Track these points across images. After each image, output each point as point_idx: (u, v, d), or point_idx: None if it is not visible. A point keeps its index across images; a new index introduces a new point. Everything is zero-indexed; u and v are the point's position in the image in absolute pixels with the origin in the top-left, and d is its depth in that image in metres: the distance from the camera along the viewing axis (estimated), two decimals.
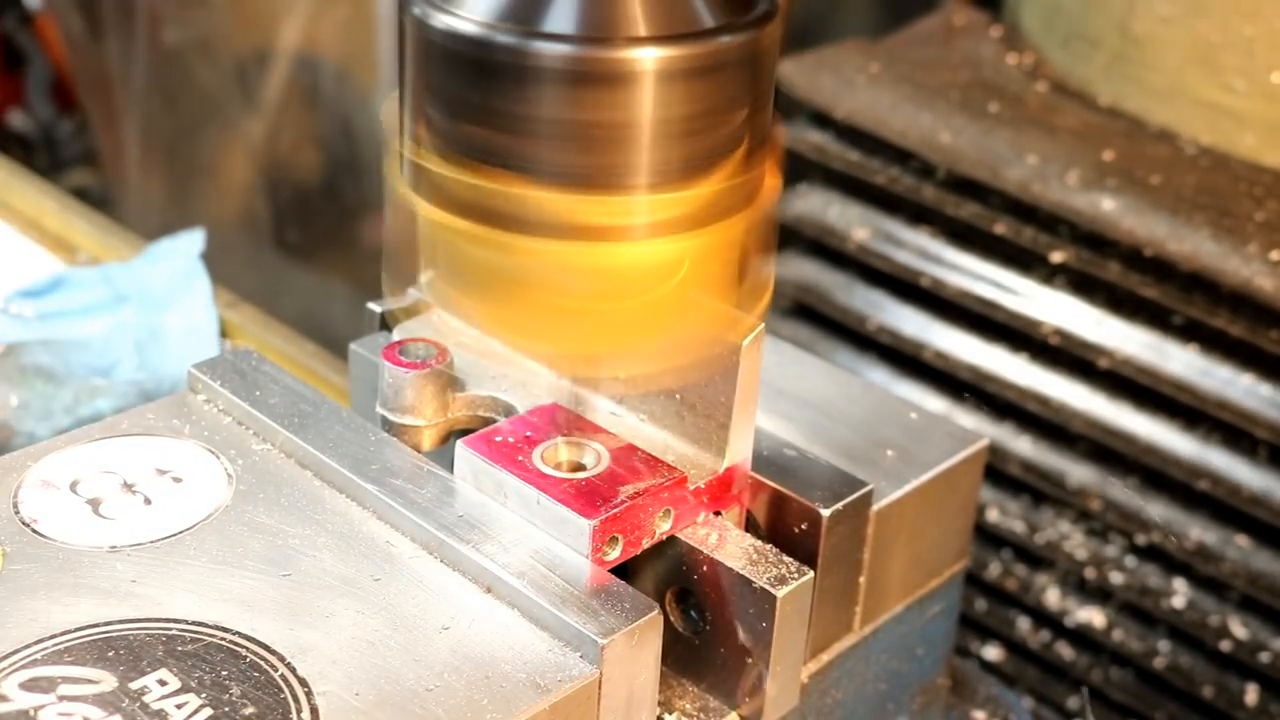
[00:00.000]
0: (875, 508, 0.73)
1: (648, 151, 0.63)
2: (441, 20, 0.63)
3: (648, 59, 0.62)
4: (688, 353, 0.69)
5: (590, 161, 0.63)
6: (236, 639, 0.60)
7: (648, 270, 0.66)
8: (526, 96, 0.62)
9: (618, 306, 0.68)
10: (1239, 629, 1.13)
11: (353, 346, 0.78)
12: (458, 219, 0.66)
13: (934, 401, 1.24)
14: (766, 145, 0.68)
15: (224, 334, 1.10)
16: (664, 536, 0.68)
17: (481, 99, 0.63)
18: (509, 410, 0.73)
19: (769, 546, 0.69)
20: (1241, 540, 1.13)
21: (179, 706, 0.57)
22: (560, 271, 0.65)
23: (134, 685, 0.58)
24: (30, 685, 0.57)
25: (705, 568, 0.68)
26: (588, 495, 0.66)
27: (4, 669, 0.58)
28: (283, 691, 0.58)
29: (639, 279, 0.67)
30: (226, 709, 0.57)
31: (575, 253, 0.65)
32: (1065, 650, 1.22)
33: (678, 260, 0.66)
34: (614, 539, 0.66)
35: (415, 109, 0.66)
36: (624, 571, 0.68)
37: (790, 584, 0.67)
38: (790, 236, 1.30)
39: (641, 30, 0.62)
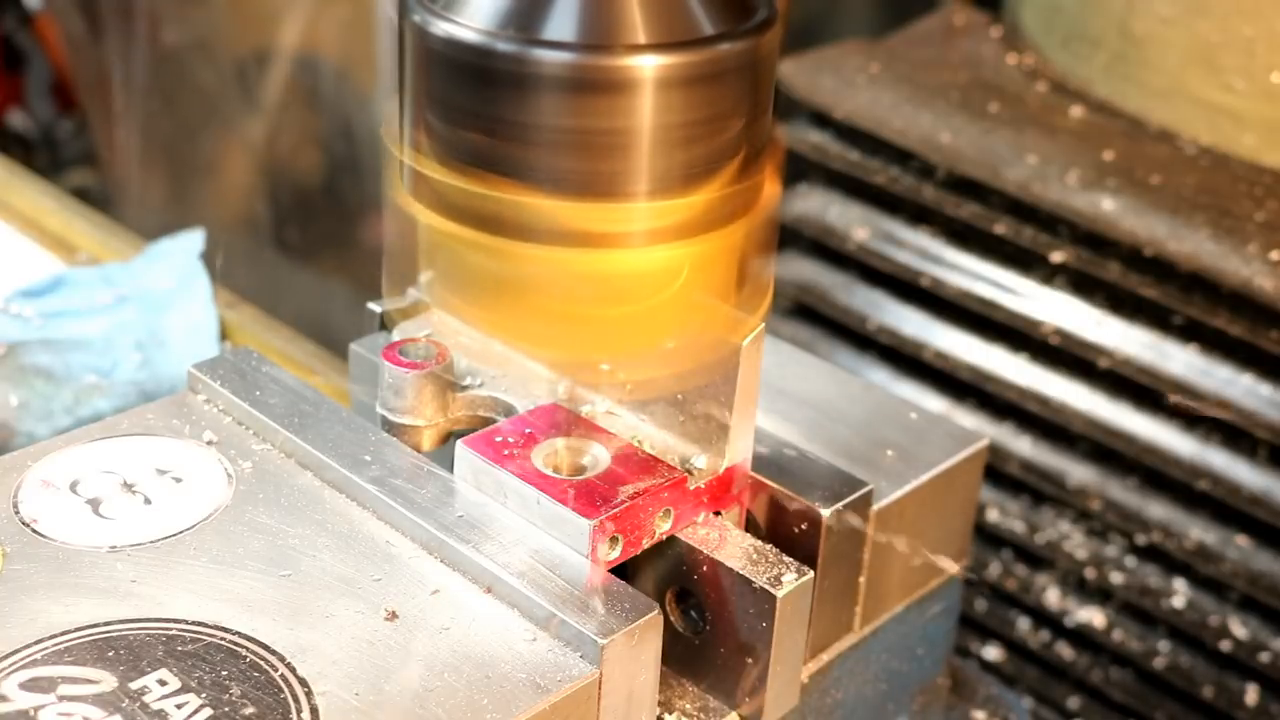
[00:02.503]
0: (875, 508, 0.74)
1: (648, 158, 0.63)
2: (441, 27, 0.63)
3: (647, 66, 0.62)
4: (688, 358, 0.69)
5: (590, 168, 0.63)
6: (236, 639, 0.60)
7: (648, 277, 0.67)
8: (526, 104, 0.62)
9: (618, 313, 0.68)
10: (1239, 629, 1.13)
11: (353, 346, 0.78)
12: (458, 226, 0.66)
13: (934, 401, 1.24)
14: (766, 151, 0.68)
15: (224, 334, 1.10)
16: (664, 536, 0.68)
17: (481, 106, 0.63)
18: (509, 410, 0.73)
19: (769, 546, 0.69)
20: (1241, 540, 1.13)
21: (179, 706, 0.57)
22: (560, 278, 0.66)
23: (134, 685, 0.58)
24: (30, 685, 0.57)
25: (705, 568, 0.68)
26: (588, 495, 0.66)
27: (4, 669, 0.58)
28: (283, 691, 0.58)
29: (639, 285, 0.67)
30: (226, 709, 0.57)
31: (575, 259, 0.65)
32: (1065, 650, 1.22)
33: (678, 267, 0.67)
34: (614, 539, 0.66)
35: (415, 116, 0.67)
36: (624, 571, 0.68)
37: (790, 584, 0.67)
38: (790, 236, 1.30)
39: (641, 38, 0.62)
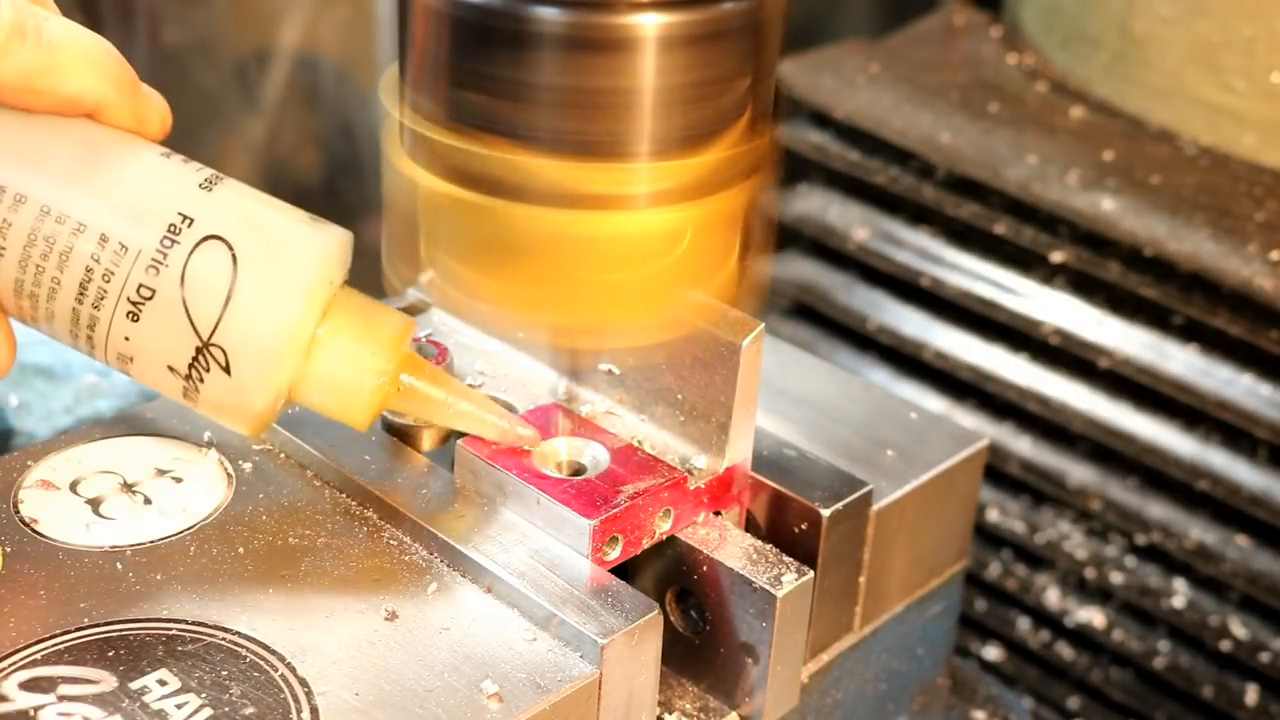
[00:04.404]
0: (875, 508, 0.74)
1: (649, 119, 0.62)
2: None
3: (650, 24, 0.61)
4: (686, 326, 0.68)
5: (591, 129, 0.62)
6: (236, 639, 0.60)
7: (649, 240, 0.66)
8: (526, 62, 0.62)
9: (619, 277, 0.67)
10: (1239, 629, 1.13)
11: None
12: (458, 188, 0.65)
13: (934, 401, 1.24)
14: (769, 115, 0.67)
15: None
16: (664, 536, 0.68)
17: (481, 65, 0.62)
18: (509, 410, 0.73)
19: (769, 546, 0.69)
20: (1241, 540, 1.13)
21: (179, 706, 0.57)
22: (561, 240, 0.65)
23: (134, 685, 0.58)
24: (30, 685, 0.57)
25: (705, 568, 0.68)
26: (588, 495, 0.66)
27: (4, 669, 0.58)
28: (283, 691, 0.58)
29: (640, 248, 0.66)
30: (226, 709, 0.57)
31: (576, 221, 0.64)
32: (1065, 650, 1.22)
33: (679, 230, 0.66)
34: (614, 539, 0.66)
35: (414, 76, 0.66)
36: (624, 571, 0.68)
37: (790, 584, 0.67)
38: (790, 236, 1.30)
39: None
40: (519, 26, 0.61)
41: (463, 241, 0.69)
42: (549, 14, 0.61)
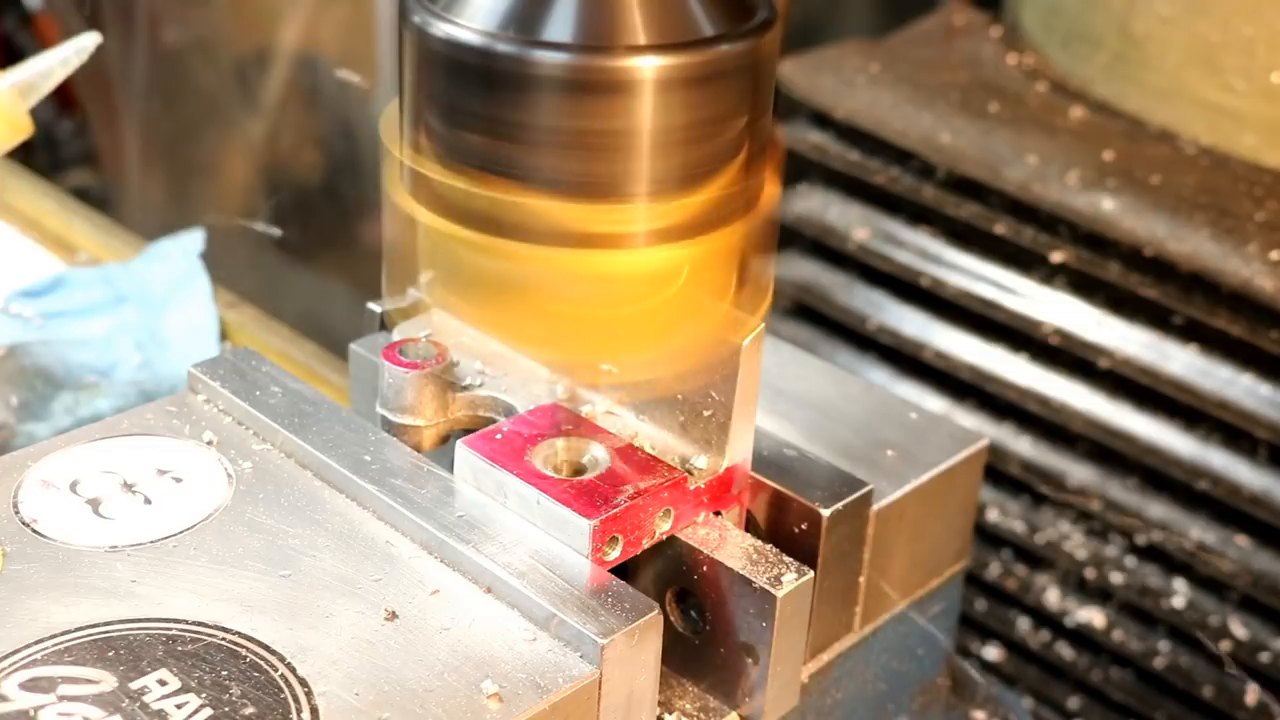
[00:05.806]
0: (875, 508, 0.74)
1: (648, 159, 0.63)
2: (441, 29, 0.63)
3: (647, 68, 0.62)
4: (687, 360, 0.69)
5: (590, 169, 0.63)
6: (236, 639, 0.60)
7: (647, 278, 0.67)
8: (526, 105, 0.62)
9: (618, 314, 0.68)
10: (1239, 629, 1.13)
11: (353, 346, 0.78)
12: (458, 226, 0.66)
13: (934, 401, 1.24)
14: (766, 152, 0.68)
15: (224, 334, 1.10)
16: (664, 536, 0.68)
17: (481, 107, 0.63)
18: (509, 410, 0.73)
19: (769, 546, 0.69)
20: (1241, 540, 1.13)
21: (179, 706, 0.57)
22: (559, 279, 0.66)
23: (134, 685, 0.58)
24: (30, 685, 0.57)
25: (705, 568, 0.68)
26: (588, 495, 0.66)
27: (4, 669, 0.58)
28: (283, 691, 0.58)
29: (639, 286, 0.67)
30: (226, 709, 0.57)
31: (575, 260, 0.65)
32: (1065, 650, 1.22)
33: (677, 268, 0.67)
34: (614, 539, 0.66)
35: (415, 117, 0.67)
36: (624, 571, 0.68)
37: (790, 584, 0.67)
38: (790, 236, 1.30)
39: (641, 39, 0.62)
40: (519, 69, 0.62)
41: (463, 278, 0.70)
42: (549, 57, 0.61)
